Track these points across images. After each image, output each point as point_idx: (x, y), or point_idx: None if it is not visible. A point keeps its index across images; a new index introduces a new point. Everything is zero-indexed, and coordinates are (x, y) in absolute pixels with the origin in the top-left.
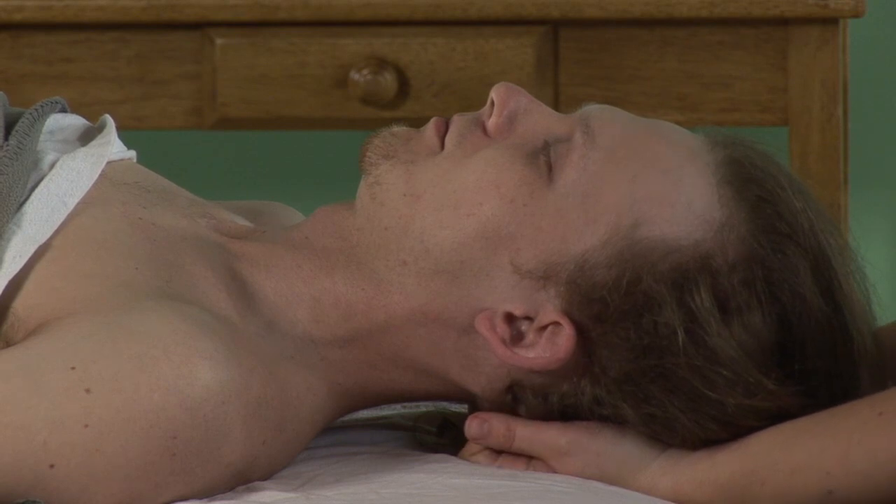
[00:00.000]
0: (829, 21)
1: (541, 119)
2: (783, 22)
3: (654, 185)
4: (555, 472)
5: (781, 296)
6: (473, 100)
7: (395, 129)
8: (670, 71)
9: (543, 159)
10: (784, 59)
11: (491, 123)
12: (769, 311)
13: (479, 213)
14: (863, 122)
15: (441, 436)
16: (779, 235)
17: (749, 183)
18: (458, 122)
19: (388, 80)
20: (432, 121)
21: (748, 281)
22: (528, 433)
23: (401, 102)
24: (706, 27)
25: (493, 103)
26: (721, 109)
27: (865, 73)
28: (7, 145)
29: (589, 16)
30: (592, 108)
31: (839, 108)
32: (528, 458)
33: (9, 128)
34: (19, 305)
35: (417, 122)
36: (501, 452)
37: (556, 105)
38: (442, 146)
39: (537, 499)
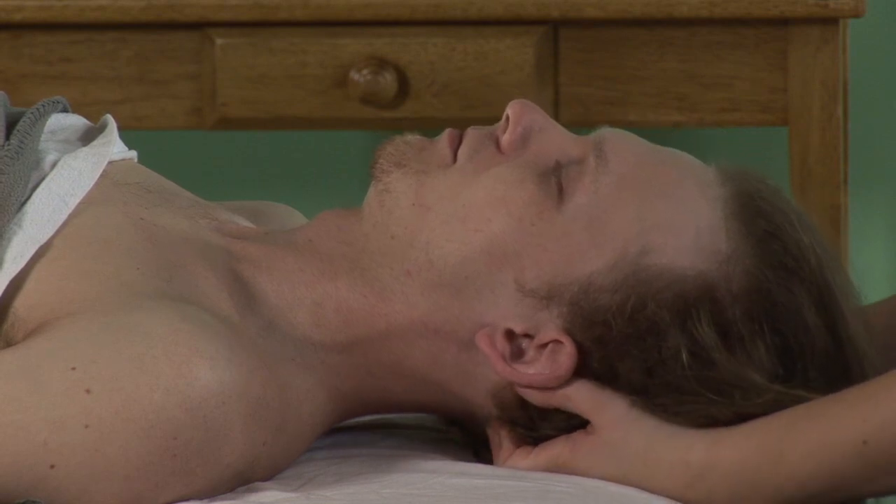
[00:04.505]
0: (829, 21)
1: (555, 139)
2: (783, 22)
3: (662, 214)
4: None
5: (785, 330)
6: (473, 100)
7: (409, 137)
8: (670, 71)
9: (555, 180)
10: (784, 59)
11: (505, 140)
12: (772, 342)
13: (487, 230)
14: (863, 122)
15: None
16: (784, 271)
17: (757, 217)
18: (471, 135)
19: (388, 80)
20: (446, 132)
21: (751, 313)
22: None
23: (401, 102)
24: (706, 27)
25: (507, 119)
26: (721, 109)
27: (865, 73)
28: (8, 145)
29: (589, 16)
30: (606, 132)
31: (839, 108)
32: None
33: (10, 127)
34: (20, 305)
35: (417, 123)
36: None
37: (556, 105)
38: (454, 159)
39: (538, 499)
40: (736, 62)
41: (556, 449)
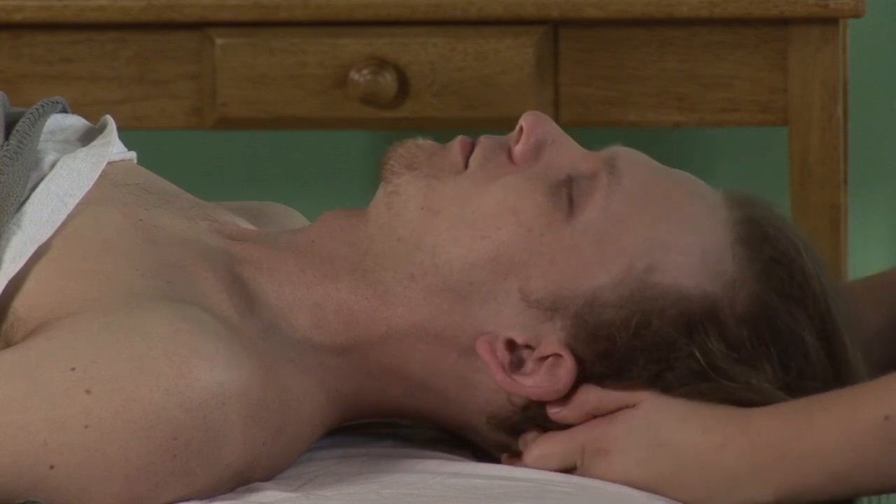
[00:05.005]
0: (829, 21)
1: (567, 153)
2: (783, 22)
3: (671, 234)
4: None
5: (786, 355)
6: (473, 100)
7: (420, 141)
8: (670, 71)
9: (565, 193)
10: (784, 59)
11: (517, 150)
12: (778, 362)
13: (495, 237)
14: (863, 122)
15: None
16: (788, 298)
17: (764, 243)
18: (484, 143)
19: (388, 80)
20: (458, 139)
21: (755, 336)
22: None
23: (401, 102)
24: (706, 27)
25: (521, 130)
26: (721, 109)
27: (865, 73)
28: (7, 145)
29: (589, 16)
30: (619, 150)
31: (839, 108)
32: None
33: (9, 127)
34: (19, 305)
35: (417, 123)
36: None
37: (556, 105)
38: (465, 165)
39: (537, 499)
40: (736, 62)
41: (592, 430)
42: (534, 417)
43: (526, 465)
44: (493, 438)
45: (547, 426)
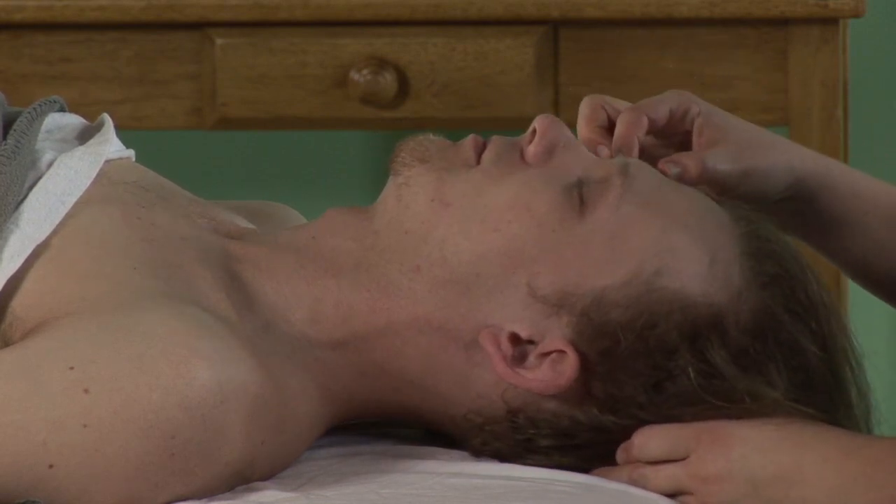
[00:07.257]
0: (829, 21)
1: (578, 157)
2: (783, 22)
3: (680, 241)
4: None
5: (789, 367)
6: (473, 100)
7: (431, 136)
8: (670, 71)
9: (577, 193)
10: (784, 59)
11: (530, 150)
12: (780, 373)
13: (507, 231)
14: (863, 122)
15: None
16: (792, 313)
17: (770, 258)
18: (496, 141)
19: (388, 80)
20: (470, 136)
21: (758, 346)
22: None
23: (401, 102)
24: (706, 27)
25: (534, 131)
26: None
27: (865, 73)
28: (5, 144)
29: (589, 16)
30: (630, 159)
31: (839, 108)
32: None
33: (7, 127)
34: (17, 305)
35: (417, 123)
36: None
37: (556, 105)
38: (478, 161)
39: (537, 499)
40: (736, 62)
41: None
42: (518, 426)
43: (632, 446)
44: (466, 432)
45: (529, 438)
